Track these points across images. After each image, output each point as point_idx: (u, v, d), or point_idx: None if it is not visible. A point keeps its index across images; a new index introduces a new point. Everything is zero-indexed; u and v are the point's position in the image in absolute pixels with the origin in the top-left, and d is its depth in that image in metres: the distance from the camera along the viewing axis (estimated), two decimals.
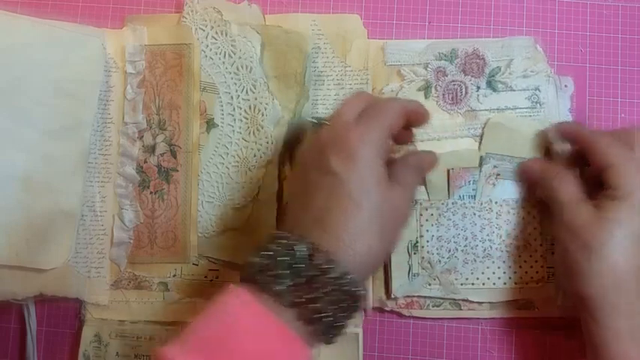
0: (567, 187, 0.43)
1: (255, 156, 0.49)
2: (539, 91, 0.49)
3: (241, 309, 0.34)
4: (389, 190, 0.38)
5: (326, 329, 0.36)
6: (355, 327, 0.48)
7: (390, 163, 0.40)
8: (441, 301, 0.47)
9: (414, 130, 0.45)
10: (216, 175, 0.49)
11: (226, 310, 0.35)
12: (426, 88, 0.49)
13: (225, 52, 0.50)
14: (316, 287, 0.35)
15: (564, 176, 0.44)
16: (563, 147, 0.46)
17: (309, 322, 0.35)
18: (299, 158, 0.46)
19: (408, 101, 0.43)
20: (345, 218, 0.36)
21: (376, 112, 0.39)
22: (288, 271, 0.35)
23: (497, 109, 0.49)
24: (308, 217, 0.37)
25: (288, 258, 0.35)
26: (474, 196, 0.47)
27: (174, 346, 0.33)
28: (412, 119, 0.42)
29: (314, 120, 0.48)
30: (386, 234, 0.38)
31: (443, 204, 0.47)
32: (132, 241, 0.49)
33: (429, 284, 0.47)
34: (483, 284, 0.47)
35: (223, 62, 0.50)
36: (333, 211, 0.36)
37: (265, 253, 0.36)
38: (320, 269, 0.35)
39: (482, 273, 0.47)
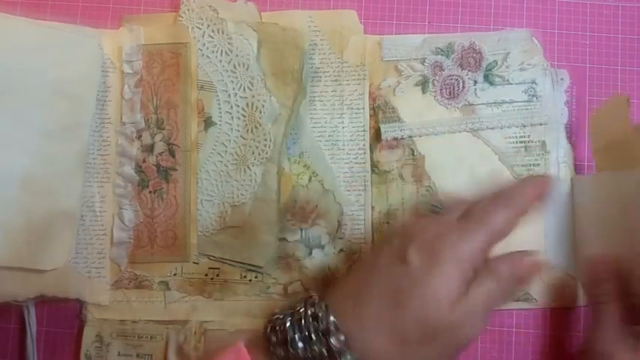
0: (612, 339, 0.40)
1: (253, 153, 0.49)
2: (536, 84, 0.49)
3: None
4: (452, 313, 0.33)
5: None
6: None
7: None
8: None
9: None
10: (215, 174, 0.49)
11: None
12: (424, 84, 0.49)
13: (221, 50, 0.50)
14: None
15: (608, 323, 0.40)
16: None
17: None
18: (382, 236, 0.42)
19: (520, 207, 0.37)
20: (379, 310, 0.34)
21: (478, 217, 0.35)
22: (298, 338, 0.34)
23: (495, 103, 0.49)
24: (348, 289, 0.36)
25: (306, 323, 0.34)
26: None
27: None
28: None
29: (434, 206, 0.45)
30: (417, 353, 0.34)
31: None
32: (132, 241, 0.49)
33: None
34: None
35: (220, 60, 0.50)
36: (374, 294, 0.34)
37: (288, 312, 0.35)
38: (330, 350, 0.33)
39: None
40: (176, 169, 0.49)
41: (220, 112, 0.50)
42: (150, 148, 0.50)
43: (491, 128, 0.49)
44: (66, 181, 0.48)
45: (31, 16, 0.50)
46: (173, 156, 0.49)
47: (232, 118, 0.49)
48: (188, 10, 0.50)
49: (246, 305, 0.49)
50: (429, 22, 0.51)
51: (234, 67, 0.50)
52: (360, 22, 0.51)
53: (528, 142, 0.49)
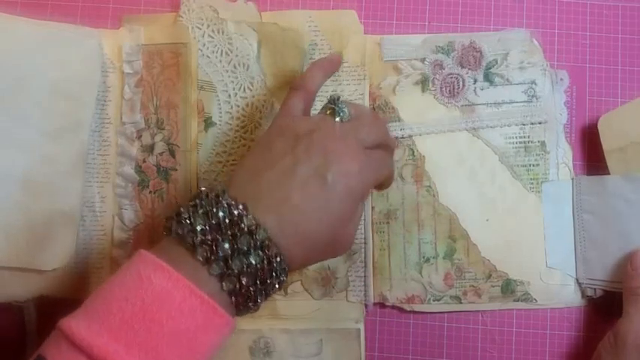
0: None
1: None
2: (536, 84, 0.49)
3: (161, 283, 0.31)
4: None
5: (242, 292, 0.33)
6: (357, 323, 0.48)
7: None
8: (442, 294, 0.48)
9: None
10: (215, 174, 0.49)
11: (144, 285, 0.31)
12: (423, 82, 0.49)
13: (222, 51, 0.50)
14: (238, 248, 0.33)
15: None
16: None
17: (225, 284, 0.33)
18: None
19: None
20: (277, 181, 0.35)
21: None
22: (206, 223, 0.33)
23: (495, 103, 0.49)
24: (244, 172, 0.37)
25: (211, 209, 0.33)
26: None
27: (85, 324, 0.30)
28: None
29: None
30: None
31: None
32: (132, 241, 0.49)
33: None
34: None
35: (220, 60, 0.50)
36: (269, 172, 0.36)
37: (191, 204, 0.34)
38: (238, 221, 0.33)
39: None
40: (176, 170, 0.49)
41: (220, 112, 0.50)
42: (150, 148, 0.50)
43: (492, 127, 0.49)
44: (66, 182, 0.48)
45: (31, 16, 0.50)
46: (173, 156, 0.49)
47: (232, 118, 0.50)
48: (188, 10, 0.50)
49: None
50: (429, 22, 0.51)
51: (235, 67, 0.50)
52: (360, 22, 0.51)
53: (528, 142, 0.49)
